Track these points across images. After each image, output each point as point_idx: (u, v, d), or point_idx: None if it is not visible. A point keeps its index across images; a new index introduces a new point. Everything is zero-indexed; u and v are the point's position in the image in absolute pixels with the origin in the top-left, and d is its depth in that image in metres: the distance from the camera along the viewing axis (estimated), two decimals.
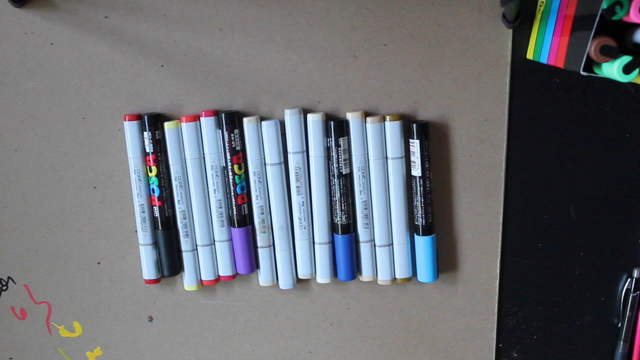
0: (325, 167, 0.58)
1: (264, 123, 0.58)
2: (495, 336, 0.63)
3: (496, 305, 0.62)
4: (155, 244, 0.60)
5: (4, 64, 0.57)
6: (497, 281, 0.62)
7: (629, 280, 0.62)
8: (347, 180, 0.58)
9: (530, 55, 0.57)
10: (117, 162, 0.59)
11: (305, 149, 0.58)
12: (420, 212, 0.59)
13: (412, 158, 0.58)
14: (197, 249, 0.60)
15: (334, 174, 0.58)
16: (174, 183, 0.58)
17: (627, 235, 0.61)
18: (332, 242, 0.60)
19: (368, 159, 0.58)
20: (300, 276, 0.61)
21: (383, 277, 0.61)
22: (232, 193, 0.58)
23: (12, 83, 0.57)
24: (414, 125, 0.58)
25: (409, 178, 0.59)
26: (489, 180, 0.60)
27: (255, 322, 0.63)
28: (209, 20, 0.57)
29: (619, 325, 0.62)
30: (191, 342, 0.63)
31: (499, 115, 0.59)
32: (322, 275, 0.60)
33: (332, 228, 0.60)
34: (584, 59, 0.49)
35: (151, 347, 0.63)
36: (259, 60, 0.58)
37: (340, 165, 0.58)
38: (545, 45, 0.55)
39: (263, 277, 0.61)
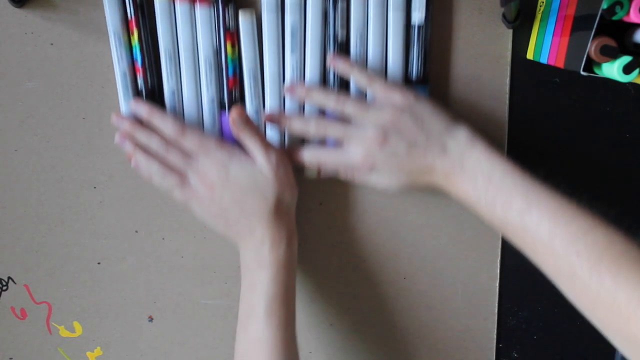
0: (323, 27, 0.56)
1: None
2: (495, 336, 0.63)
3: (496, 305, 0.62)
4: None
5: (4, 64, 0.57)
6: (497, 281, 0.62)
7: None
8: (343, 46, 0.56)
9: (530, 55, 0.57)
10: (117, 162, 0.59)
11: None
12: (416, 62, 0.56)
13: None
14: None
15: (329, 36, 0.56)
16: (163, 58, 0.56)
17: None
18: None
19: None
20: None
21: None
22: (224, 74, 0.56)
23: (12, 83, 0.57)
24: None
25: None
26: None
27: None
28: None
29: None
30: (191, 342, 0.63)
31: (499, 115, 0.59)
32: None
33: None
34: (584, 59, 0.49)
35: (151, 347, 0.63)
36: None
37: (336, 28, 0.55)
38: (545, 45, 0.55)
39: None
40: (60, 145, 0.59)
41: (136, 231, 0.60)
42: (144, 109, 0.55)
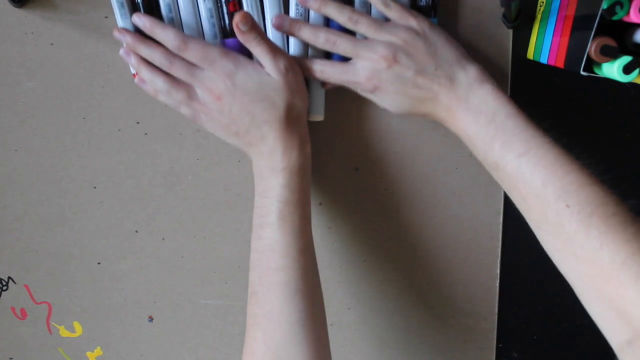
0: None
1: None
2: (495, 336, 0.63)
3: (496, 305, 0.62)
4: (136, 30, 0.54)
5: (4, 64, 0.57)
6: (497, 281, 0.62)
7: None
8: None
9: (530, 55, 0.57)
10: (117, 162, 0.59)
11: None
12: None
13: None
14: None
15: None
16: None
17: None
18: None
19: None
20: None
21: None
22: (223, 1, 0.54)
23: (12, 83, 0.57)
24: None
25: None
26: (489, 180, 0.60)
27: None
28: None
29: None
30: (191, 342, 0.63)
31: None
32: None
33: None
34: (584, 59, 0.49)
35: (151, 347, 0.63)
36: None
37: None
38: (545, 45, 0.55)
39: None
40: (60, 145, 0.59)
41: (136, 231, 0.60)
42: (146, 21, 0.52)
